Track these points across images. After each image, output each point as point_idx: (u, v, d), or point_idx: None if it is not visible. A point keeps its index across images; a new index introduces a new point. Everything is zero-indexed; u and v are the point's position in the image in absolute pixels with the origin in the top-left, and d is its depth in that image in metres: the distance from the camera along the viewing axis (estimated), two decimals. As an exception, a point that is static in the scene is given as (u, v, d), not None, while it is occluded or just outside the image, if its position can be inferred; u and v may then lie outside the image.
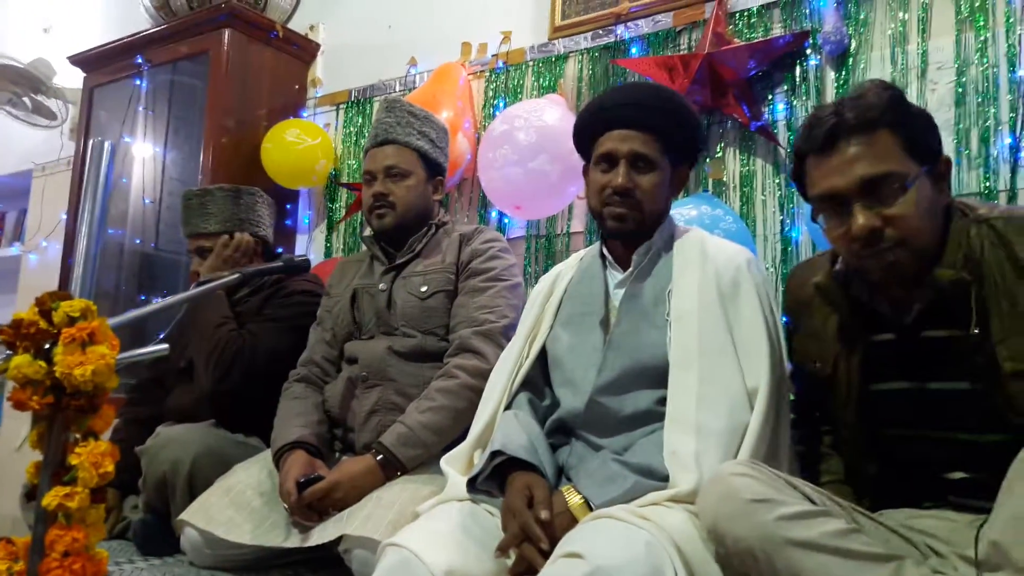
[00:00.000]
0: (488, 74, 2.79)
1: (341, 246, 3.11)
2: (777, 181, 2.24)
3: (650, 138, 1.48)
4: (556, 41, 2.64)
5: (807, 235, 2.14)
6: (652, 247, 1.51)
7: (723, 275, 1.45)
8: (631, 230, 1.49)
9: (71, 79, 3.81)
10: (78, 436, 0.85)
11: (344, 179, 3.12)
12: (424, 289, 1.86)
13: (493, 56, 2.78)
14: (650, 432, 1.37)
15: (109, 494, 2.11)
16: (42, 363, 0.83)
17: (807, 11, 2.23)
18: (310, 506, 1.60)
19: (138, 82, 3.30)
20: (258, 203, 2.33)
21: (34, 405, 0.82)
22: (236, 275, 1.44)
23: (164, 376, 2.35)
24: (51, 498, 0.82)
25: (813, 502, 1.13)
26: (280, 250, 2.54)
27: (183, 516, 1.70)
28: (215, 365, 1.99)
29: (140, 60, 3.23)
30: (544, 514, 1.24)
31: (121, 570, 1.66)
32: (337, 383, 1.88)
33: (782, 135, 2.23)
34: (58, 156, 4.08)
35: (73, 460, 0.83)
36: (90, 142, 3.39)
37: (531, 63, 2.69)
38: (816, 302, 1.38)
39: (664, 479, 1.27)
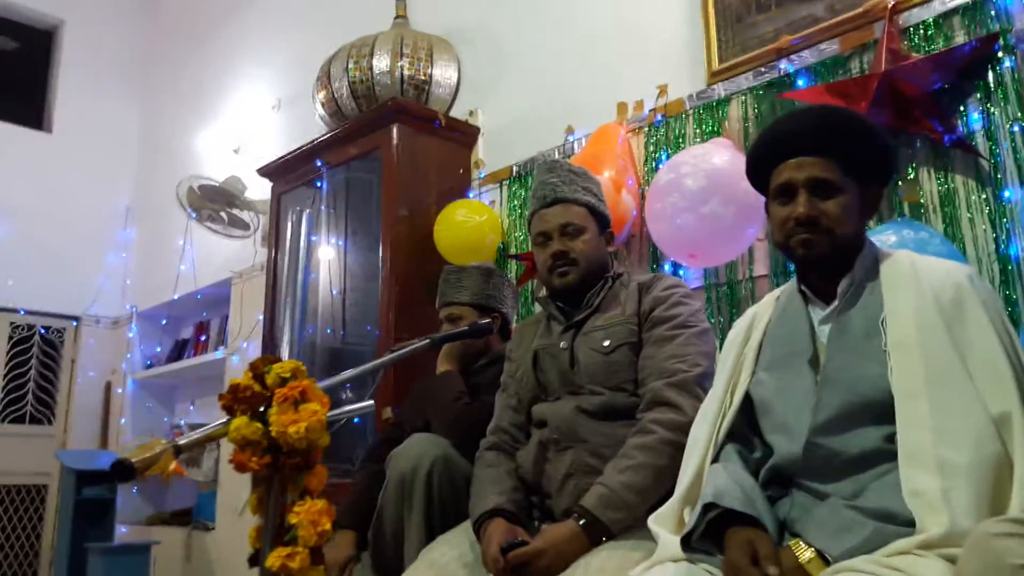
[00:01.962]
0: (647, 129, 2.77)
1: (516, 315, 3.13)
2: (984, 196, 2.03)
3: (828, 161, 1.37)
4: (716, 86, 2.58)
5: (1029, 250, 1.91)
6: (855, 276, 1.39)
7: (942, 295, 1.29)
8: (822, 255, 1.38)
9: (260, 191, 4.17)
10: (295, 498, 0.86)
11: (512, 251, 3.16)
12: (607, 344, 1.80)
13: (651, 111, 2.76)
14: (883, 474, 1.22)
15: (349, 537, 2.18)
16: (259, 424, 0.85)
17: (993, 13, 2.05)
18: (515, 571, 1.55)
19: (318, 184, 3.54)
20: (504, 284, 2.45)
21: (254, 466, 0.84)
22: (426, 340, 1.45)
23: (400, 439, 2.42)
24: (274, 559, 0.83)
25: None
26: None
27: (391, 589, 1.70)
28: (451, 432, 2.06)
29: (319, 163, 3.47)
30: (772, 570, 1.12)
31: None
32: (528, 448, 1.85)
33: (982, 146, 2.03)
34: (252, 263, 4.44)
35: (292, 519, 0.84)
36: (284, 245, 3.66)
37: (691, 111, 2.64)
38: None
39: (907, 524, 1.12)
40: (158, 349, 5.43)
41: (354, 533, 2.18)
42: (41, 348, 5.48)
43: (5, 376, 5.30)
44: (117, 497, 4.31)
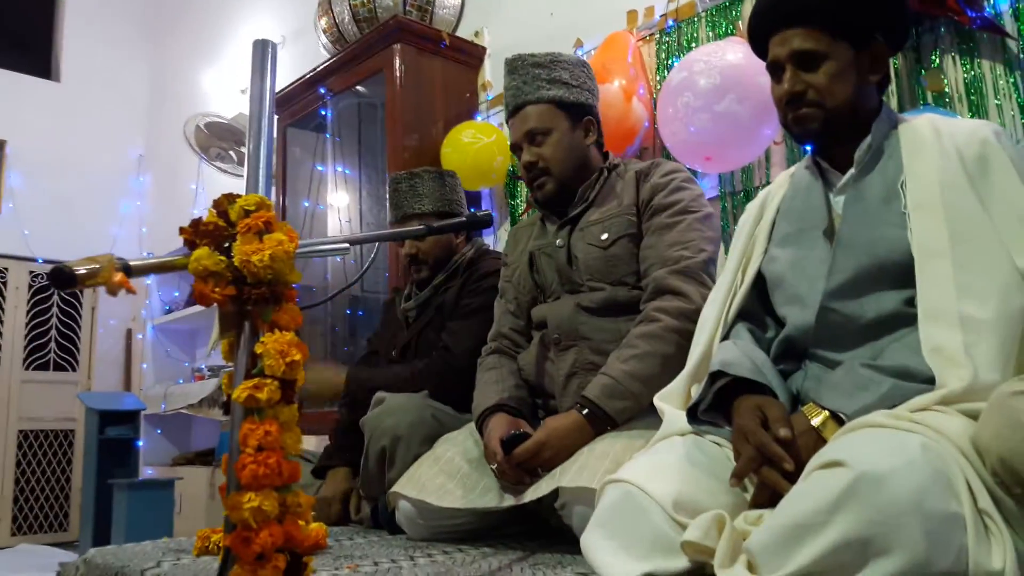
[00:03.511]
0: (658, 36, 2.65)
1: (527, 240, 3.06)
2: (1012, 80, 1.92)
3: (811, 30, 1.29)
4: (728, -15, 2.46)
5: (1060, 133, 1.81)
6: (873, 141, 1.30)
7: (966, 151, 1.21)
8: (817, 130, 1.31)
9: (268, 128, 4.11)
10: (265, 332, 0.81)
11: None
12: (605, 237, 1.71)
13: (661, 16, 2.64)
14: (901, 337, 1.15)
15: (343, 472, 2.15)
16: (222, 257, 0.80)
17: None
18: (518, 465, 1.50)
19: (323, 112, 3.47)
20: (457, 185, 2.36)
21: (216, 296, 0.79)
22: (423, 228, 1.39)
23: (376, 366, 2.38)
24: (240, 391, 0.78)
25: None
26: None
27: (395, 488, 1.67)
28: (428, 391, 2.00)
29: (323, 90, 3.39)
30: (783, 431, 1.06)
31: (341, 545, 1.65)
32: (530, 350, 1.79)
33: (1010, 27, 1.91)
34: (263, 200, 4.39)
35: (258, 349, 0.79)
36: (292, 178, 3.61)
37: (703, 14, 2.53)
38: None
39: (927, 381, 1.05)
40: (176, 294, 5.43)
41: (347, 468, 2.15)
42: (61, 296, 5.51)
43: (27, 324, 5.35)
44: (140, 438, 4.36)
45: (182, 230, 0.84)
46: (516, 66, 1.85)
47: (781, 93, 1.33)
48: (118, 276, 0.74)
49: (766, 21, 1.35)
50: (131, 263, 0.79)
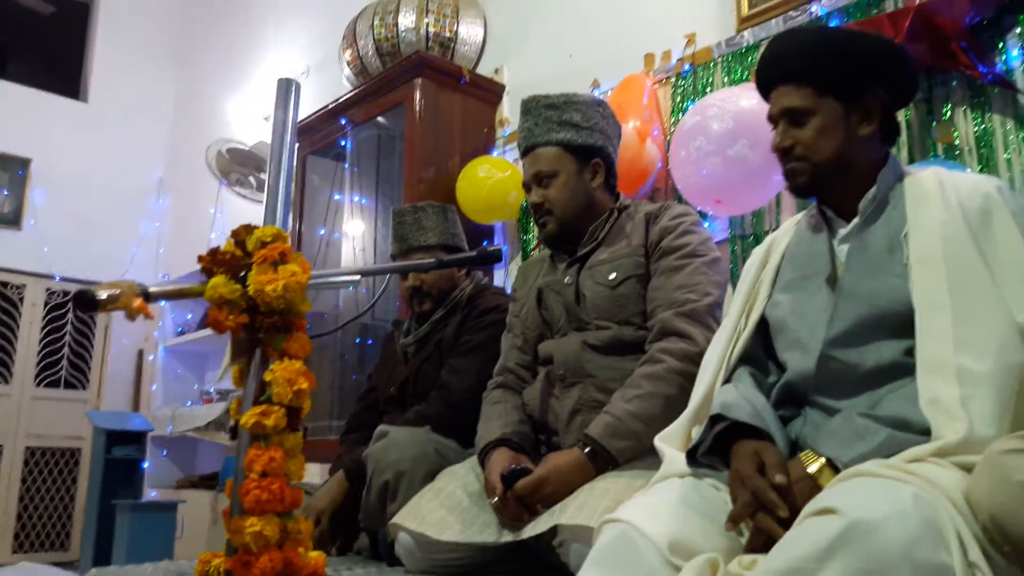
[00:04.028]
0: (674, 79, 2.70)
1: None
2: (1021, 135, 1.94)
3: (799, 87, 1.33)
4: (744, 32, 2.51)
5: (1069, 189, 1.82)
6: (878, 192, 1.32)
7: (969, 205, 1.23)
8: (805, 183, 1.35)
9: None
10: (275, 361, 0.84)
11: (536, 209, 3.12)
12: (613, 277, 1.74)
13: (678, 60, 2.69)
14: (900, 388, 1.16)
15: (337, 483, 2.10)
16: (237, 286, 0.82)
17: (1036, -57, 1.96)
18: (518, 500, 1.51)
19: (343, 143, 3.53)
20: (458, 220, 2.41)
21: (230, 324, 0.82)
22: (433, 261, 1.42)
23: (375, 404, 2.40)
24: (248, 417, 0.80)
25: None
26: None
27: (395, 520, 1.67)
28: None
29: (344, 121, 3.46)
30: (779, 478, 1.07)
31: (339, 574, 1.65)
32: (535, 385, 1.80)
33: (1021, 82, 1.94)
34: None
35: (267, 377, 0.81)
36: (309, 207, 3.67)
37: (719, 60, 2.57)
38: None
39: (923, 432, 1.06)
40: (189, 316, 5.48)
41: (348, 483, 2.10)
42: (76, 314, 5.57)
43: (41, 341, 5.40)
44: (146, 459, 4.38)
45: (200, 258, 0.87)
46: (530, 107, 1.90)
47: (773, 147, 1.38)
48: (138, 302, 0.77)
49: (764, 78, 1.41)
50: (150, 289, 0.82)
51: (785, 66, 1.35)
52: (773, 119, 1.38)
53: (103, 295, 0.74)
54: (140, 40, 6.08)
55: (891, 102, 1.35)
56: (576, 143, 1.83)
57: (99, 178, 5.67)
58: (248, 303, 0.83)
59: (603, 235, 1.83)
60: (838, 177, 1.33)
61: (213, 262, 0.85)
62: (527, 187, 1.89)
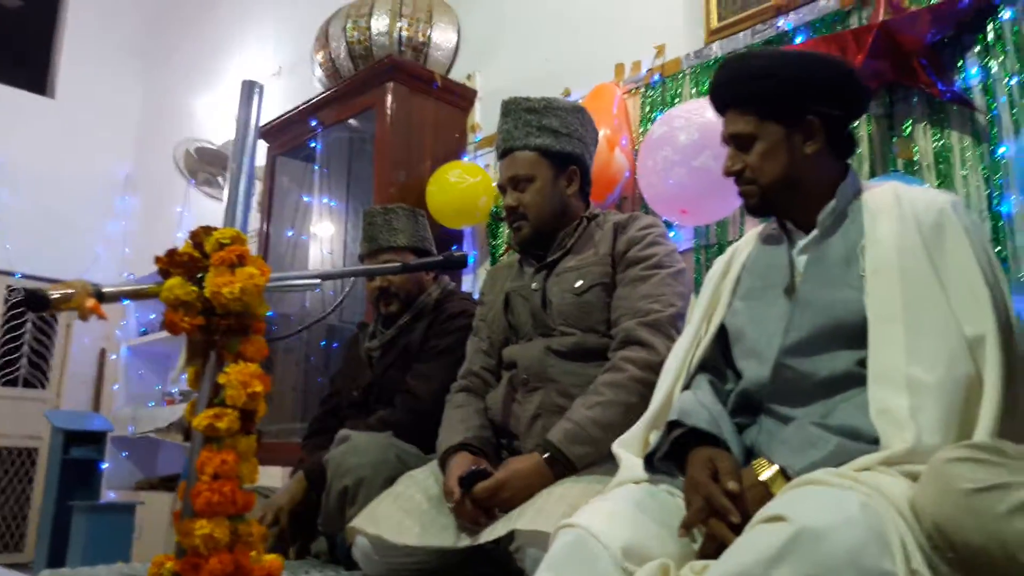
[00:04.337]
0: (643, 89, 2.73)
1: (506, 281, 3.09)
2: (979, 152, 1.98)
3: (742, 113, 1.37)
4: (713, 45, 2.54)
5: (1022, 206, 1.87)
6: (836, 205, 1.35)
7: (924, 220, 1.25)
8: (756, 204, 1.40)
9: (260, 158, 4.14)
10: (230, 363, 0.83)
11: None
12: (579, 284, 1.75)
13: (648, 71, 2.72)
14: (852, 397, 1.18)
15: (297, 483, 2.08)
16: (193, 288, 0.82)
17: (994, -35, 2.01)
18: (476, 504, 1.52)
19: (312, 144, 3.51)
20: (427, 224, 2.42)
21: (185, 326, 0.82)
22: (398, 265, 1.42)
23: (338, 408, 2.38)
24: (201, 419, 0.80)
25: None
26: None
27: (353, 523, 1.67)
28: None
29: (314, 122, 3.44)
30: (732, 485, 1.09)
31: (296, 578, 1.64)
32: (498, 389, 1.81)
33: (979, 101, 1.99)
34: (248, 229, 4.41)
35: (221, 379, 0.81)
36: (279, 208, 3.64)
37: (688, 71, 2.60)
38: None
39: (873, 442, 1.09)
40: (152, 316, 5.40)
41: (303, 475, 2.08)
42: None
43: (0, 339, 5.30)
44: (105, 460, 4.31)
45: (157, 259, 0.86)
46: (510, 109, 1.91)
47: (724, 172, 1.42)
48: (90, 302, 0.77)
49: (714, 103, 1.45)
50: (104, 289, 0.81)
51: (730, 92, 1.39)
52: (725, 142, 1.42)
53: (55, 295, 0.74)
54: (109, 36, 6.00)
55: (839, 118, 1.37)
56: (554, 149, 1.85)
57: (65, 175, 5.58)
58: (204, 305, 0.83)
59: (572, 243, 1.84)
60: (789, 195, 1.36)
61: (170, 263, 0.85)
62: (502, 189, 1.90)
